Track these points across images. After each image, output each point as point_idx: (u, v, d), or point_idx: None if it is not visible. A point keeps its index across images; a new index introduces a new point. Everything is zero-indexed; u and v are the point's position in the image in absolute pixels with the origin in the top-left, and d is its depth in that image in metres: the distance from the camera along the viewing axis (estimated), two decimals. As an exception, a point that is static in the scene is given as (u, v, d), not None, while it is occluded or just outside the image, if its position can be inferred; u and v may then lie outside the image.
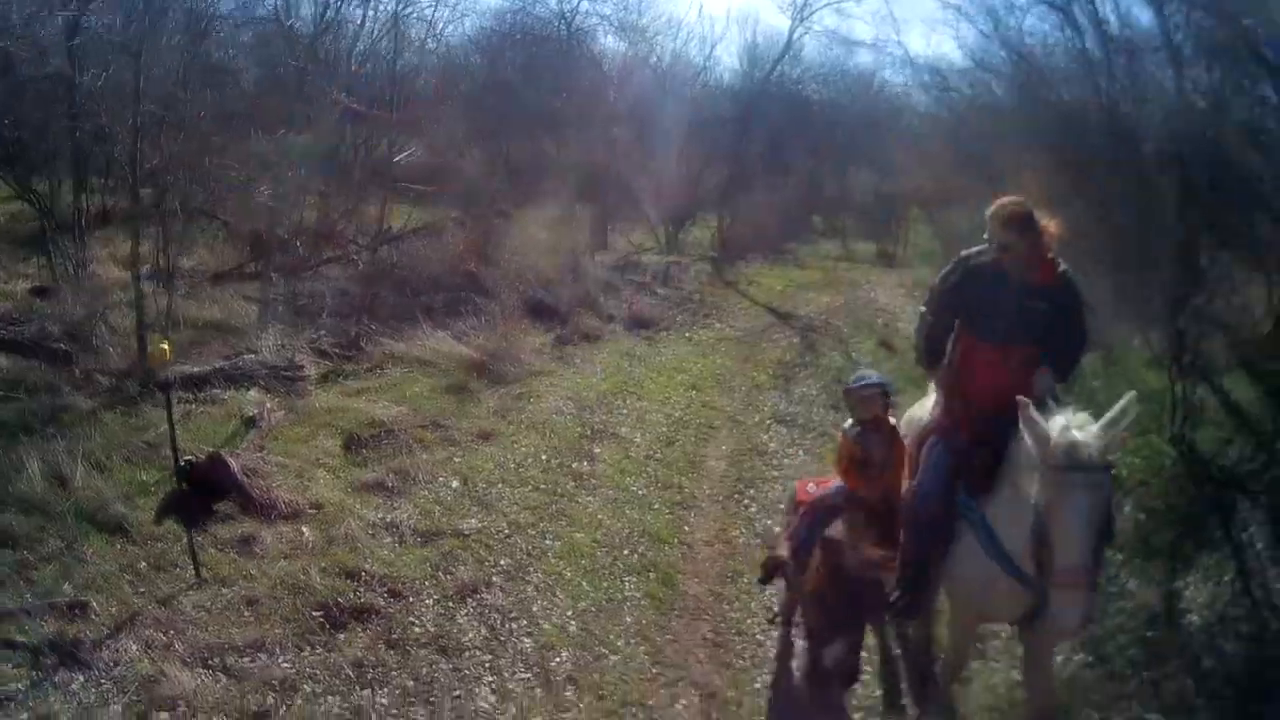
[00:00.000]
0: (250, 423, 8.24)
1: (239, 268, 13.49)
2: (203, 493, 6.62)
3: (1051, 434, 3.68)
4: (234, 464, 6.83)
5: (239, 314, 11.43)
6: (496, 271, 13.08)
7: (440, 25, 19.84)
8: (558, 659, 4.98)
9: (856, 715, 4.76)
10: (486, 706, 4.60)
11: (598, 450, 8.09)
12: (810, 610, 4.78)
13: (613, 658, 5.01)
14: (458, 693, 4.71)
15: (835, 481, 4.96)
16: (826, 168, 27.43)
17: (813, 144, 26.09)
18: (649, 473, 7.63)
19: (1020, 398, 3.81)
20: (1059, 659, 4.76)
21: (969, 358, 4.50)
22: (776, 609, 5.37)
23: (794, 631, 5.11)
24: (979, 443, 4.31)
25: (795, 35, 22.66)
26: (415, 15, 17.97)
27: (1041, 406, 3.89)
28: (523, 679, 4.83)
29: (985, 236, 4.39)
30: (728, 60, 36.80)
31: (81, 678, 4.80)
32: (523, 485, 7.30)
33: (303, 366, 9.82)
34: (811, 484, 5.13)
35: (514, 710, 4.56)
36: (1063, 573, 3.60)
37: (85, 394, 8.53)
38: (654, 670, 4.93)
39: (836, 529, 4.64)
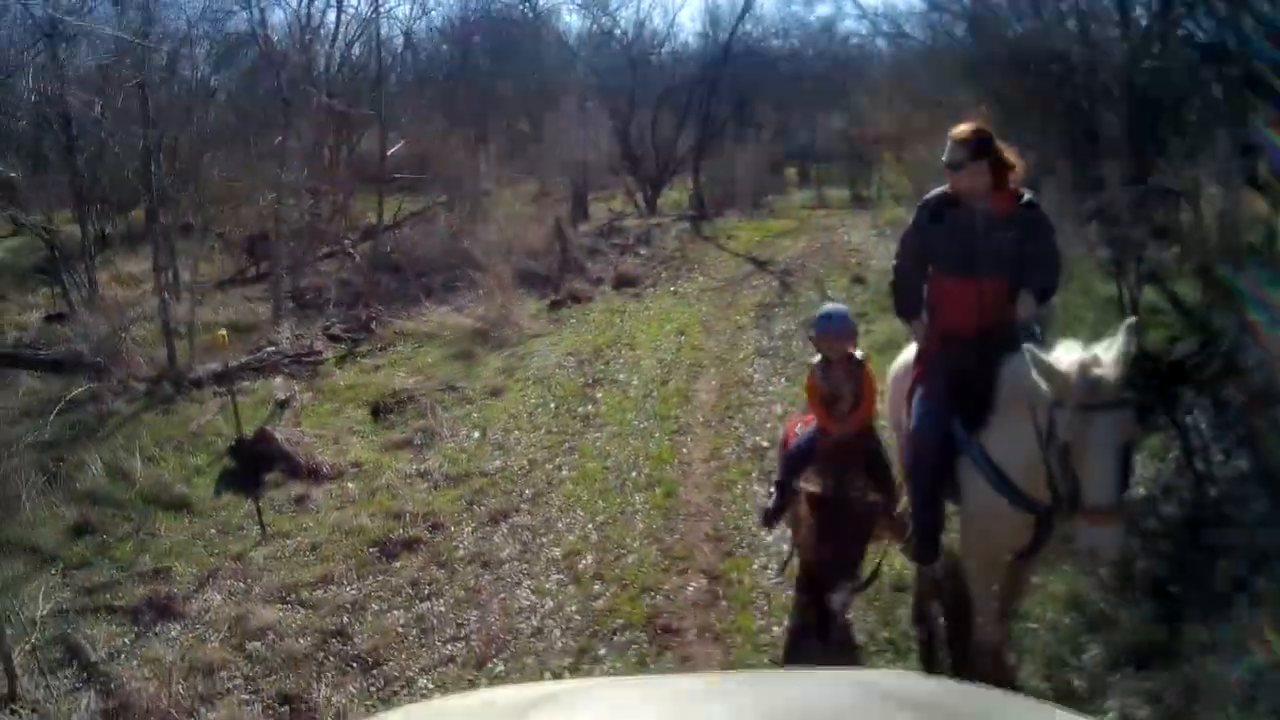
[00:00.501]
0: (282, 405, 9.06)
1: (240, 273, 14.29)
2: (253, 465, 7.48)
3: (1069, 373, 3.70)
4: (279, 436, 7.67)
5: (251, 313, 12.20)
6: (487, 248, 13.87)
7: (409, 21, 20.50)
8: (583, 562, 5.84)
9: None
10: (527, 604, 5.46)
11: (599, 395, 8.93)
12: (806, 556, 4.85)
13: (630, 556, 5.85)
14: (502, 595, 5.56)
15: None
16: (795, 119, 28.15)
17: (780, 98, 26.79)
18: (647, 409, 8.46)
19: (1026, 345, 3.81)
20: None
21: (942, 295, 4.52)
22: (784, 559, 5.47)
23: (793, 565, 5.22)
24: (965, 378, 4.33)
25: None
26: (385, 15, 18.72)
27: (1028, 336, 4.00)
28: (556, 579, 5.68)
29: (944, 159, 4.38)
30: (690, 25, 37.13)
31: (178, 626, 5.64)
32: (535, 430, 8.16)
33: (320, 351, 10.66)
34: (799, 423, 5.18)
35: (551, 603, 5.41)
36: (1095, 509, 3.65)
37: (125, 400, 9.34)
38: (665, 563, 5.75)
39: (809, 476, 4.64)
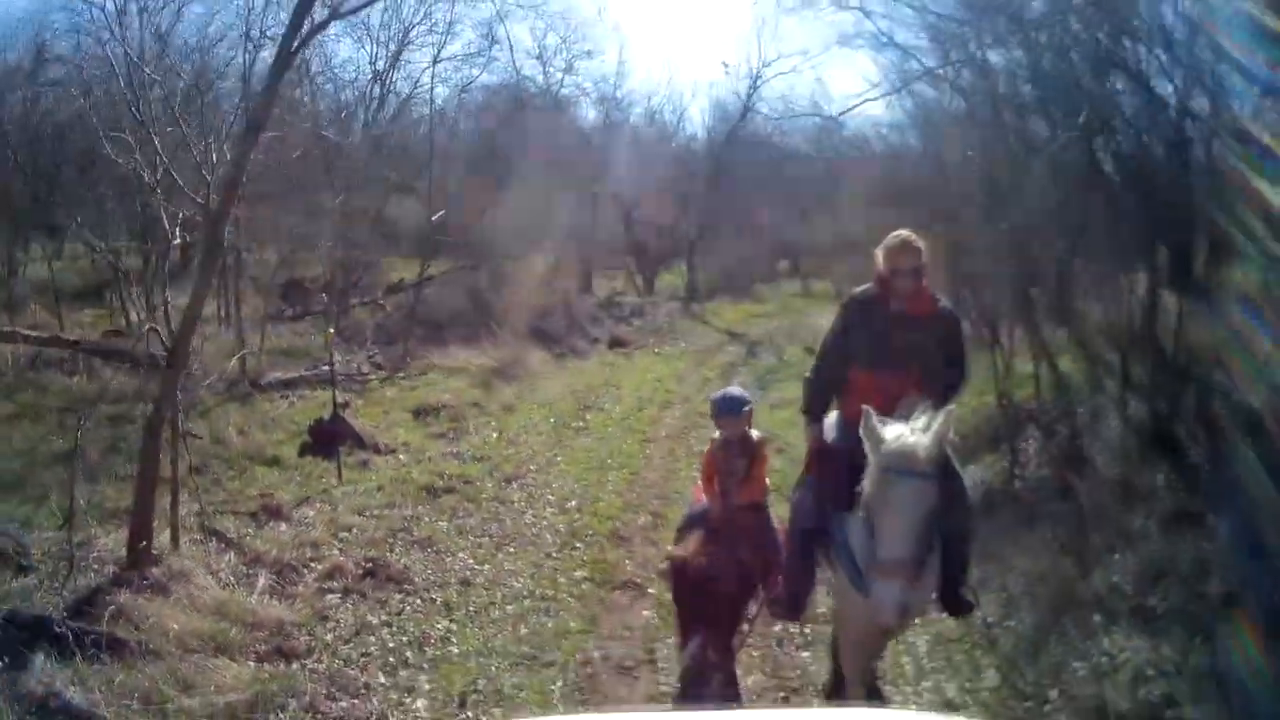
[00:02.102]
0: (341, 406, 11.89)
1: (280, 312, 17.11)
2: (327, 440, 10.25)
3: (884, 440, 4.01)
4: (348, 419, 10.50)
5: (300, 341, 15.10)
6: (505, 306, 16.83)
7: (441, 102, 23.22)
8: (569, 503, 8.71)
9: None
10: (530, 522, 8.28)
11: (589, 416, 11.91)
12: (676, 612, 5.28)
13: (602, 501, 8.71)
14: (513, 518, 8.38)
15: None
16: (792, 214, 30.95)
17: (777, 194, 29.65)
18: (624, 426, 11.44)
19: (864, 409, 4.10)
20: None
21: (856, 385, 4.71)
22: None
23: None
24: (853, 464, 4.46)
25: (751, 100, 26.56)
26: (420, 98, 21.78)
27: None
28: (550, 511, 8.56)
29: (891, 263, 4.63)
30: (699, 118, 40.18)
31: (284, 525, 8.35)
32: (538, 434, 11.11)
33: (367, 373, 13.55)
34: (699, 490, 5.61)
35: (547, 520, 8.25)
36: (883, 563, 3.93)
37: (210, 394, 12.12)
38: (625, 507, 8.61)
39: (684, 545, 5.05)
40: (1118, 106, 10.39)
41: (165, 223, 14.35)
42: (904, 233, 4.68)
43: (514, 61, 23.55)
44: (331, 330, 11.27)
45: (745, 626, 5.31)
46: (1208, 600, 6.29)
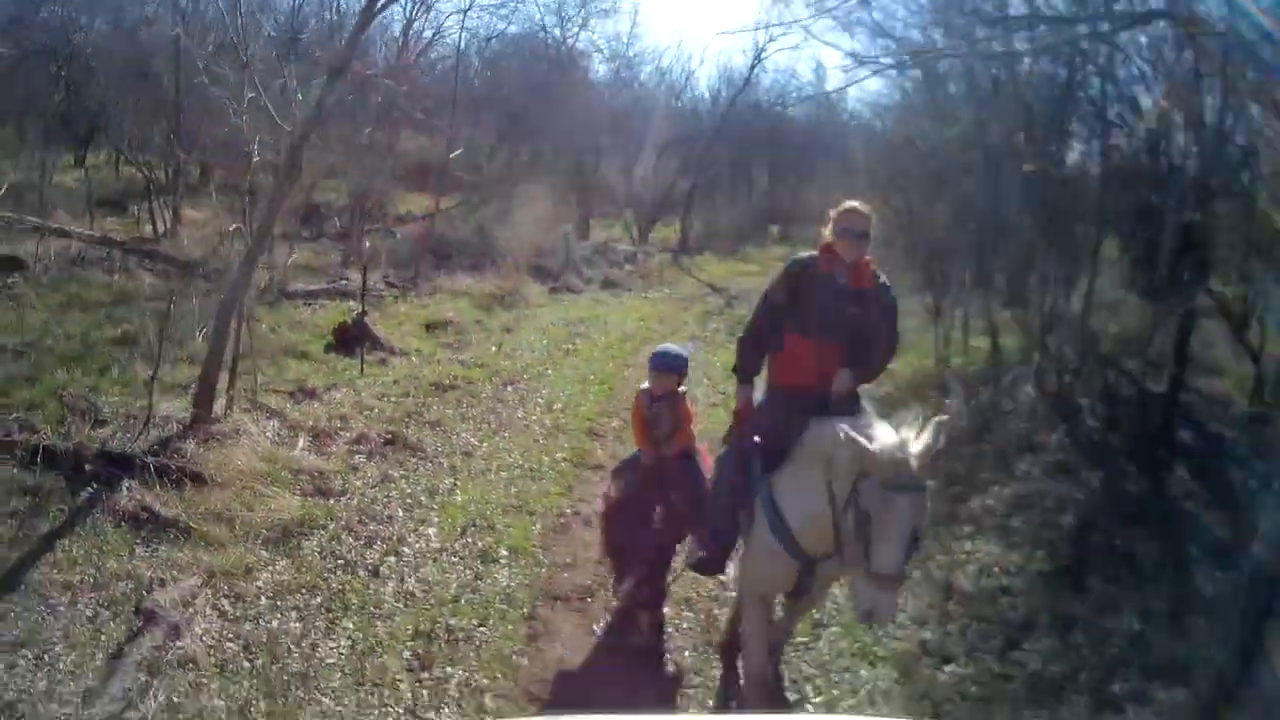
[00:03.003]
0: (360, 315, 13.58)
1: (297, 233, 18.64)
2: (349, 341, 11.93)
3: (877, 453, 4.03)
4: (369, 324, 12.19)
5: (320, 259, 16.76)
6: (508, 241, 18.52)
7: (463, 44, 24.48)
8: (555, 405, 10.42)
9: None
10: (521, 416, 10.01)
11: (577, 343, 13.62)
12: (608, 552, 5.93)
13: (583, 407, 10.41)
14: (508, 412, 10.11)
15: None
16: (786, 182, 32.25)
17: (773, 161, 31.25)
18: (608, 354, 13.12)
19: (840, 426, 4.14)
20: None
21: (786, 351, 4.91)
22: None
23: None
24: (778, 424, 4.79)
25: (754, 73, 28.09)
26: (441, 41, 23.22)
27: (844, 404, 4.57)
28: (538, 410, 10.27)
29: (842, 227, 4.78)
30: (705, 81, 41.60)
31: (316, 403, 9.96)
32: (532, 352, 12.82)
33: (381, 291, 15.22)
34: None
35: (536, 416, 10.00)
36: (881, 576, 4.00)
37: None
38: (601, 411, 10.30)
39: (616, 487, 5.64)
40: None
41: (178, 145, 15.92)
42: (852, 205, 4.84)
43: (540, 15, 24.97)
44: (369, 244, 12.95)
45: (674, 570, 5.80)
46: (1060, 528, 7.95)
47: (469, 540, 7.04)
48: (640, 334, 14.53)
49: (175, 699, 4.82)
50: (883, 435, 4.18)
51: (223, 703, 4.84)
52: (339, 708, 4.91)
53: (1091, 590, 6.82)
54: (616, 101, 30.37)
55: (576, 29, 28.01)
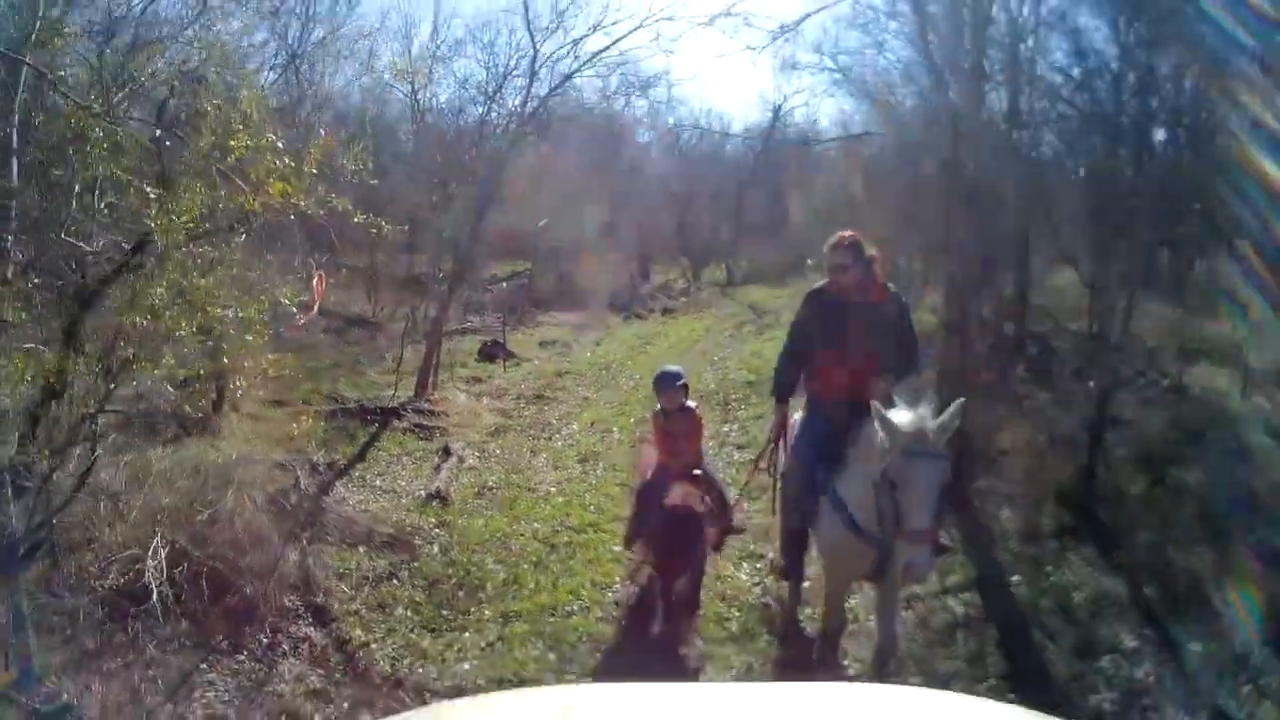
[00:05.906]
0: (493, 340, 19.87)
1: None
2: (491, 354, 18.13)
3: (902, 427, 4.62)
4: (503, 342, 18.48)
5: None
6: (583, 287, 24.96)
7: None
8: (635, 377, 16.45)
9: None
10: (614, 384, 16.19)
11: (647, 348, 19.80)
12: (655, 552, 6.34)
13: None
14: (606, 382, 16.34)
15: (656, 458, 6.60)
16: (819, 214, 35.33)
17: (805, 197, 35.71)
18: (669, 352, 19.15)
19: (872, 402, 4.73)
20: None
21: (820, 368, 5.57)
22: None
23: (640, 575, 6.98)
24: (831, 433, 5.36)
25: (776, 128, 32.68)
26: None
27: (885, 405, 4.88)
28: (624, 379, 16.47)
29: (824, 265, 5.50)
30: (740, 125, 43.77)
31: (482, 384, 16.05)
32: (615, 355, 19.01)
33: (497, 327, 21.57)
34: (647, 466, 6.67)
35: (620, 384, 16.20)
36: (913, 533, 4.55)
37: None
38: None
39: (672, 494, 6.02)
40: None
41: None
42: (840, 234, 5.37)
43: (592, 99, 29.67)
44: (489, 295, 19.52)
45: (702, 568, 6.24)
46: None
47: (593, 429, 13.14)
48: (691, 338, 20.73)
49: (465, 479, 10.88)
50: (906, 415, 4.78)
51: (484, 479, 10.86)
52: (545, 476, 11.00)
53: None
54: (664, 166, 35.63)
55: (622, 106, 31.65)
